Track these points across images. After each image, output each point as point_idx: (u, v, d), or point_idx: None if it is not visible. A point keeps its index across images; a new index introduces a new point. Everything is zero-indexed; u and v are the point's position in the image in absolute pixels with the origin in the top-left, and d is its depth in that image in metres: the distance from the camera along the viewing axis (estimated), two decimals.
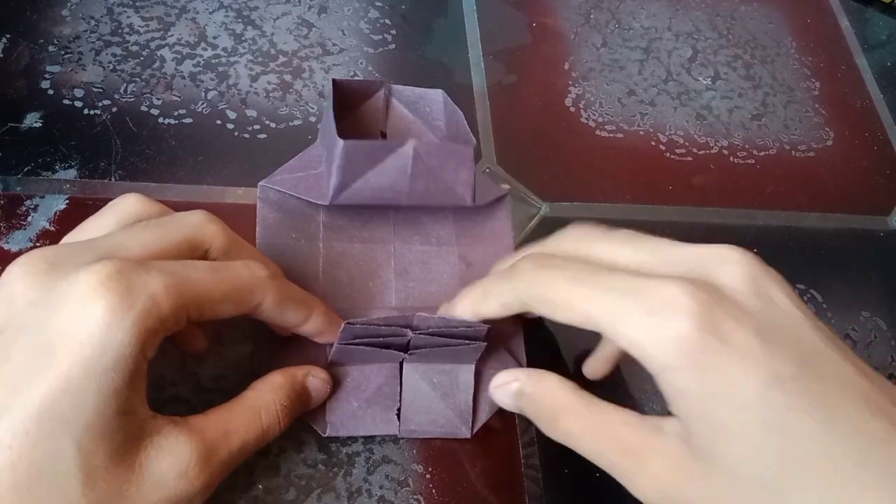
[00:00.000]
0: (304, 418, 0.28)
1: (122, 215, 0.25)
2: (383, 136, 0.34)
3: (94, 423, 0.20)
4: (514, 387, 0.27)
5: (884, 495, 0.19)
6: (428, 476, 0.29)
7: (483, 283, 0.27)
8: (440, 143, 0.32)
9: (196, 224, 0.25)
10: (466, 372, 0.30)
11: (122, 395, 0.20)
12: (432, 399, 0.30)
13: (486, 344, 0.28)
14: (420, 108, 0.34)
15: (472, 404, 0.30)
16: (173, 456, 0.22)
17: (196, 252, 0.24)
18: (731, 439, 0.21)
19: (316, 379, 0.27)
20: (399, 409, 0.29)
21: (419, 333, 0.27)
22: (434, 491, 0.29)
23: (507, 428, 0.31)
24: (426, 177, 0.30)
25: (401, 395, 0.29)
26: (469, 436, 0.30)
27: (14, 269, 0.21)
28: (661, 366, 0.21)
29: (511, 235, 0.34)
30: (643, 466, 0.22)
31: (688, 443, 0.22)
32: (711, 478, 0.21)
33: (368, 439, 0.29)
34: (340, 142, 0.28)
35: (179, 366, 0.29)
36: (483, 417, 0.30)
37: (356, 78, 0.40)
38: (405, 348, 0.28)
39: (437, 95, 0.34)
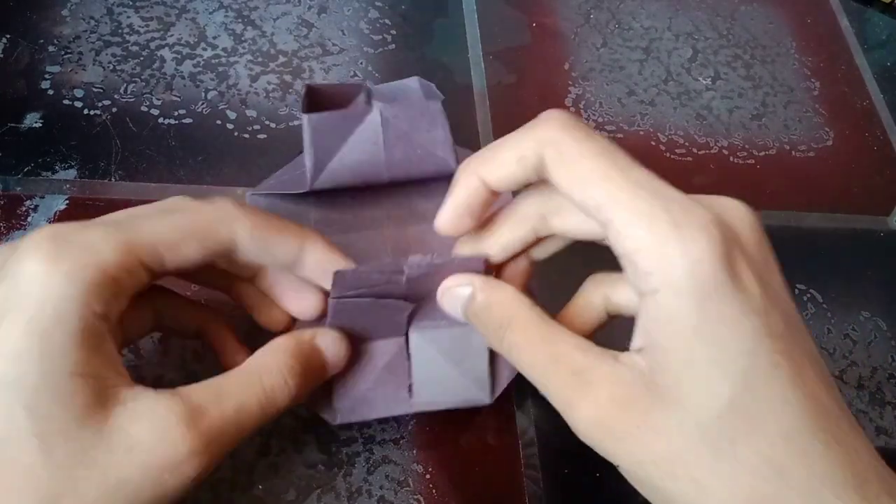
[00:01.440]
0: (311, 408, 0.27)
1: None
2: None
3: (44, 385, 0.19)
4: (466, 291, 0.24)
5: (833, 460, 0.19)
6: (428, 476, 0.29)
7: (491, 145, 0.24)
8: (405, 102, 0.31)
9: (213, 210, 0.23)
10: (478, 333, 0.26)
11: (72, 354, 0.19)
12: (445, 367, 0.28)
13: (484, 259, 0.26)
14: (398, 98, 0.34)
15: (487, 368, 0.28)
16: (150, 419, 0.20)
17: (215, 238, 0.23)
18: (705, 383, 0.19)
19: (326, 336, 0.25)
20: (411, 386, 0.28)
21: (415, 275, 0.25)
22: (434, 491, 0.29)
23: (507, 428, 0.31)
24: (401, 143, 0.29)
25: (410, 370, 0.28)
26: (490, 402, 0.28)
27: (23, 244, 0.21)
28: (662, 282, 0.20)
29: (508, 195, 0.33)
30: (589, 392, 0.21)
31: (646, 375, 0.20)
32: (664, 415, 0.20)
33: (368, 439, 0.29)
34: (305, 116, 0.28)
35: (179, 365, 0.29)
36: (504, 382, 0.28)
37: (355, 79, 0.40)
38: (408, 315, 0.27)
39: (412, 82, 0.33)
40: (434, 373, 0.28)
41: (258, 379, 0.23)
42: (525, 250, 0.26)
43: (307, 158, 0.29)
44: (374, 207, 0.32)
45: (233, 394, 0.22)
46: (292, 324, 0.27)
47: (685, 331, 0.20)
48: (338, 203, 0.32)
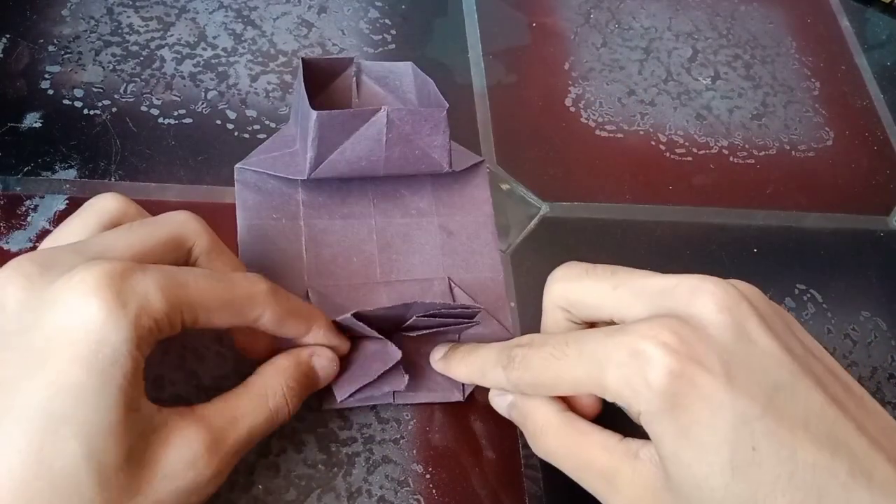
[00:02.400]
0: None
1: (102, 215, 0.25)
2: None
3: (101, 422, 0.20)
4: (509, 399, 0.28)
5: None
6: (428, 476, 0.29)
7: (480, 360, 0.28)
8: (413, 108, 0.32)
9: (180, 223, 0.25)
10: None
11: (126, 391, 0.21)
12: (424, 367, 0.30)
13: (478, 323, 0.29)
14: (390, 82, 0.34)
15: None
16: (182, 448, 0.22)
17: (181, 250, 0.25)
18: (701, 481, 0.21)
19: (321, 358, 0.27)
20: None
21: (419, 317, 0.28)
22: (434, 491, 0.29)
23: (507, 428, 0.31)
24: (401, 144, 0.30)
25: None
26: (462, 399, 0.30)
27: (4, 273, 0.21)
28: (639, 412, 0.22)
29: (489, 202, 0.34)
30: (618, 491, 0.23)
31: (663, 473, 0.22)
32: None
33: (368, 439, 0.29)
34: (314, 113, 0.28)
35: (179, 365, 0.29)
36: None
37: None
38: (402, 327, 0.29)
39: (406, 68, 0.34)
40: (415, 370, 0.30)
41: (265, 401, 0.25)
42: None
43: (309, 149, 0.29)
44: (361, 196, 0.33)
45: (246, 417, 0.24)
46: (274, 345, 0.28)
47: (670, 444, 0.22)
48: (325, 187, 0.32)
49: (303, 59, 0.31)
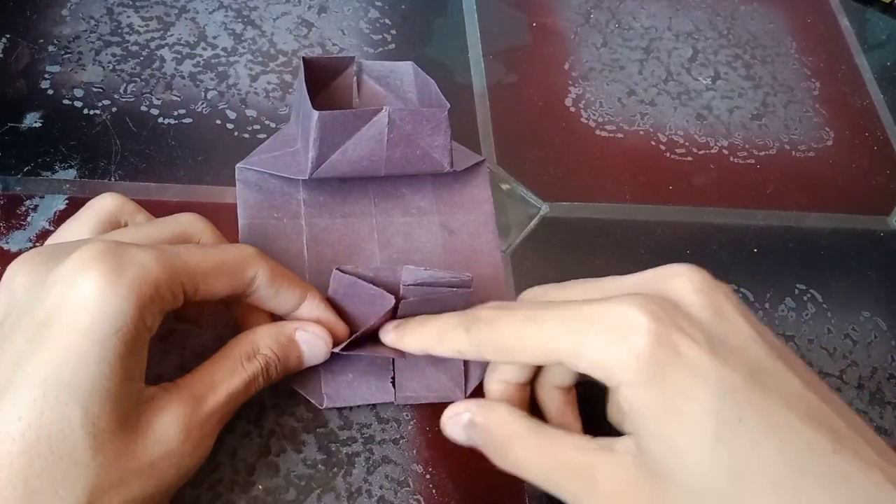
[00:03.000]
0: (299, 389, 0.29)
1: (102, 214, 0.26)
2: None
3: (100, 388, 0.21)
4: (466, 418, 0.27)
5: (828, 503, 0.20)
6: (428, 476, 0.29)
7: (439, 324, 0.27)
8: (415, 108, 0.32)
9: (186, 223, 0.26)
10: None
11: (126, 360, 0.21)
12: (425, 366, 0.30)
13: (471, 290, 0.28)
14: (391, 81, 0.34)
15: (463, 368, 0.30)
16: (169, 414, 0.23)
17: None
18: (684, 453, 0.21)
19: (307, 333, 0.27)
20: (393, 378, 0.30)
21: (407, 286, 0.27)
22: (434, 491, 0.29)
23: None
24: (402, 144, 0.30)
25: (394, 365, 0.30)
26: (464, 398, 0.30)
27: (13, 266, 0.23)
28: (620, 383, 0.22)
29: (490, 201, 0.34)
30: (595, 487, 0.23)
31: (641, 460, 0.22)
32: (665, 494, 0.21)
33: (368, 439, 0.29)
34: (315, 113, 0.28)
35: (180, 364, 0.29)
36: (474, 381, 0.31)
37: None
38: (395, 302, 0.28)
39: (407, 67, 0.34)
40: (415, 370, 0.30)
41: (241, 364, 0.25)
42: None
43: (311, 149, 0.29)
44: (361, 195, 0.33)
45: (224, 381, 0.25)
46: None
47: (653, 417, 0.21)
48: (326, 186, 0.32)
49: (304, 59, 0.31)
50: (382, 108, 0.29)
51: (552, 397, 0.28)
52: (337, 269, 0.27)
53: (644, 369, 0.21)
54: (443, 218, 0.33)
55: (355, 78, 0.34)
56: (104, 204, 0.26)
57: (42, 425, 0.20)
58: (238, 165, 0.32)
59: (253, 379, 0.26)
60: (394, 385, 0.30)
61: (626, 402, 0.22)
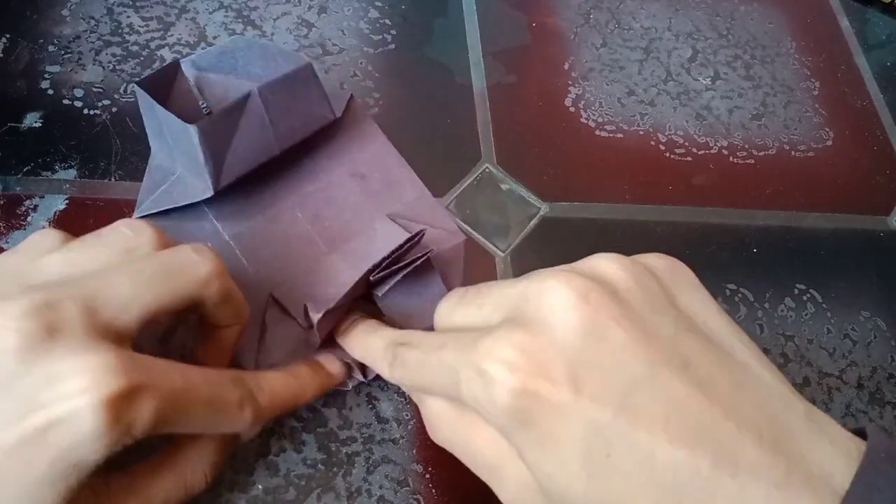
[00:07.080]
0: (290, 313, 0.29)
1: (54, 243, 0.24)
2: (209, 113, 0.32)
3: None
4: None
5: None
6: (428, 476, 0.29)
7: (371, 351, 0.27)
8: (278, 77, 0.30)
9: (198, 282, 0.24)
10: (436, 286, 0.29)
11: (72, 491, 0.21)
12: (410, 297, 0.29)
13: (432, 251, 0.28)
14: (224, 65, 0.32)
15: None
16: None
17: (190, 309, 0.24)
18: (563, 489, 0.21)
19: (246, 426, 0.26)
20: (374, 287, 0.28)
21: (375, 276, 0.27)
22: (434, 491, 0.29)
23: None
24: (284, 115, 0.30)
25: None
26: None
27: (6, 313, 0.20)
28: (498, 427, 0.22)
29: (378, 129, 0.35)
30: (503, 486, 0.23)
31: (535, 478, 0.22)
32: None
33: (368, 439, 0.29)
34: (191, 127, 0.27)
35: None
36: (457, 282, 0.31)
37: (355, 78, 0.40)
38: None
39: (230, 45, 0.32)
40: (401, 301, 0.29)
41: (183, 479, 0.25)
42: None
43: (204, 165, 0.28)
44: (263, 187, 0.32)
45: (160, 494, 0.25)
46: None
47: (527, 455, 0.22)
48: (228, 195, 0.31)
49: (138, 84, 0.29)
50: (249, 93, 0.28)
51: None
52: (326, 311, 0.26)
53: (509, 418, 0.21)
54: (346, 167, 0.33)
55: (190, 79, 0.32)
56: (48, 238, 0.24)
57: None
58: (136, 217, 0.30)
59: (192, 488, 0.25)
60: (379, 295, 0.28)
61: (506, 440, 0.22)
